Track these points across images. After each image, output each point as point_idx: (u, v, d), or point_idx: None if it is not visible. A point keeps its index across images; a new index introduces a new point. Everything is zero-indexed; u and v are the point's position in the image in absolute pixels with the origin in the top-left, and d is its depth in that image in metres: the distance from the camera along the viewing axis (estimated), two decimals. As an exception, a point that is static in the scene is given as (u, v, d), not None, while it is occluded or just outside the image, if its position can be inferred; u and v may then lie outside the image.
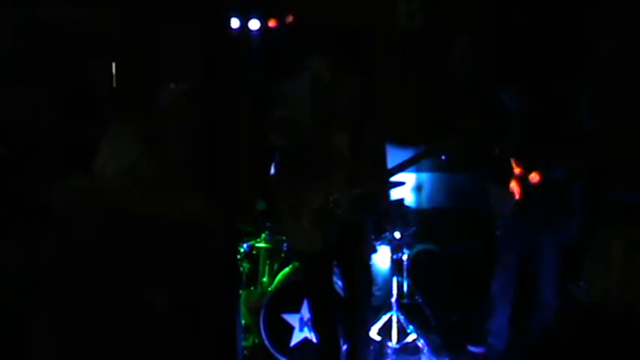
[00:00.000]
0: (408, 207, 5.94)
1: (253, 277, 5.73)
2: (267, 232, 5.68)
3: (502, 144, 5.03)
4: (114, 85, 6.59)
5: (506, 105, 5.00)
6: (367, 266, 4.65)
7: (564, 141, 4.82)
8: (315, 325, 4.73)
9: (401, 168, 4.45)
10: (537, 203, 4.86)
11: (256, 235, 5.75)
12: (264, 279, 5.64)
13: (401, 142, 4.98)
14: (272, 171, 4.61)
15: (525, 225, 4.94)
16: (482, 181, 5.18)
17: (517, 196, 4.91)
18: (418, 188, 6.53)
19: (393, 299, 5.47)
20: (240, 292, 5.40)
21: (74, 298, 2.39)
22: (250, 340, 5.41)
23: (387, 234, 5.51)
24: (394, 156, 4.54)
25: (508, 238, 5.06)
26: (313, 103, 4.47)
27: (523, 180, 4.90)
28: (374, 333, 5.38)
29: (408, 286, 5.68)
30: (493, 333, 5.17)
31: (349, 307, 4.56)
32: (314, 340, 4.92)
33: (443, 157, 4.58)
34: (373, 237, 5.41)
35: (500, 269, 5.11)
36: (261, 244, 5.67)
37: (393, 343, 5.41)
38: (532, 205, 4.87)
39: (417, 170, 6.44)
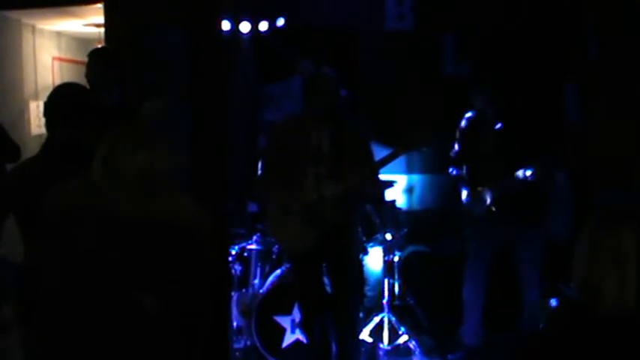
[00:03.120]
0: (399, 208, 5.95)
1: (245, 280, 5.74)
2: (258, 234, 5.69)
3: (481, 144, 5.05)
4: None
5: (485, 106, 5.03)
6: (358, 267, 4.65)
7: (544, 142, 4.84)
8: (305, 326, 4.74)
9: (384, 163, 4.46)
10: (511, 205, 4.88)
11: (247, 238, 5.76)
12: (256, 281, 5.64)
13: (388, 141, 5.00)
14: (259, 172, 4.63)
15: (497, 226, 4.96)
16: (458, 180, 5.20)
17: (491, 197, 4.93)
18: (409, 190, 6.54)
19: (385, 301, 5.47)
20: (232, 294, 5.41)
21: (65, 301, 2.39)
22: (242, 342, 5.42)
23: (379, 235, 5.52)
24: (381, 154, 4.56)
25: (479, 239, 5.08)
26: (302, 104, 4.49)
27: (499, 181, 4.91)
28: (365, 334, 5.39)
29: (400, 287, 5.69)
30: (468, 333, 5.20)
31: (338, 308, 4.56)
32: (305, 341, 4.93)
33: (425, 150, 4.58)
34: (364, 238, 5.43)
35: (471, 269, 5.14)
36: (253, 247, 5.68)
37: (384, 344, 5.41)
38: (505, 206, 4.89)
39: (408, 172, 6.46)
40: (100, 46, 6.69)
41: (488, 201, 4.93)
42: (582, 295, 2.17)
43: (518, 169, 4.80)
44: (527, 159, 4.77)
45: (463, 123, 5.16)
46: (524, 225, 4.93)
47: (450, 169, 5.23)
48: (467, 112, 5.18)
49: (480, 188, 4.99)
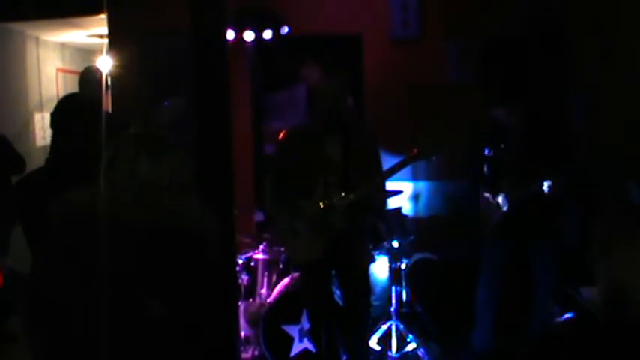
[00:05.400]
0: (405, 216, 5.94)
1: (252, 289, 5.73)
2: (264, 243, 5.68)
3: (496, 153, 5.02)
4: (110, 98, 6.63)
5: (501, 117, 5.00)
6: (365, 275, 4.64)
7: (556, 152, 4.82)
8: (313, 335, 4.72)
9: (393, 171, 4.45)
10: (526, 213, 4.85)
11: (254, 247, 5.75)
12: (263, 290, 5.63)
13: (394, 148, 4.99)
14: (268, 182, 4.62)
15: (512, 233, 4.94)
16: (473, 189, 5.17)
17: (508, 204, 4.90)
18: (416, 197, 6.53)
19: (392, 308, 5.46)
20: (239, 303, 5.39)
21: (73, 309, 2.39)
22: (250, 351, 5.40)
23: (386, 243, 5.51)
24: (389, 162, 4.56)
25: (493, 247, 5.06)
26: (307, 111, 4.51)
27: (517, 189, 4.89)
28: (374, 342, 5.37)
29: (407, 295, 5.67)
30: (479, 339, 5.17)
31: (348, 317, 4.55)
32: (313, 350, 4.91)
33: (434, 159, 4.57)
34: (371, 246, 5.41)
35: (484, 277, 5.11)
36: (260, 256, 5.67)
37: (393, 352, 5.39)
38: (521, 214, 4.86)
39: (414, 179, 6.45)
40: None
41: (505, 207, 4.90)
42: (605, 301, 2.13)
43: (537, 178, 4.76)
44: (546, 169, 4.74)
45: (486, 129, 5.12)
46: (538, 233, 4.91)
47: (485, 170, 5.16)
48: (481, 118, 5.15)
49: (497, 194, 4.96)
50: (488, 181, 5.03)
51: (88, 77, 5.58)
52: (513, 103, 4.94)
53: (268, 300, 5.39)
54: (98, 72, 5.69)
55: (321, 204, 4.36)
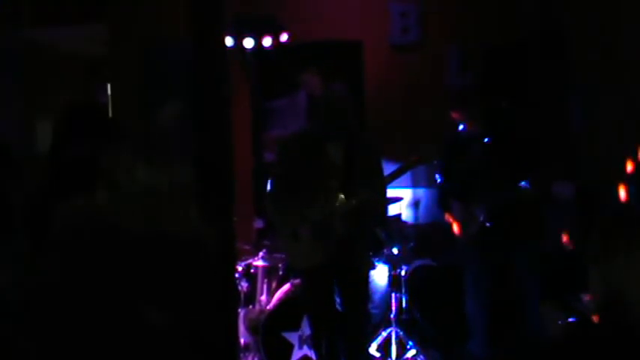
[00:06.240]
0: (405, 222, 5.93)
1: (251, 296, 5.71)
2: (264, 250, 5.67)
3: (467, 159, 5.01)
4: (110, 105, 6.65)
5: (472, 119, 4.99)
6: (365, 281, 4.64)
7: (543, 154, 4.82)
8: (314, 342, 4.71)
9: (394, 177, 4.45)
10: (505, 220, 4.84)
11: (254, 254, 5.73)
12: (263, 297, 5.62)
13: (394, 154, 4.99)
14: (268, 188, 4.62)
15: (493, 242, 4.93)
16: (448, 198, 5.16)
17: (484, 214, 4.89)
18: (415, 204, 6.52)
19: (392, 315, 5.45)
20: (239, 310, 5.38)
21: (73, 317, 2.38)
22: (250, 358, 5.39)
23: (385, 250, 5.50)
24: (389, 168, 4.56)
25: (475, 256, 5.05)
26: (308, 118, 4.51)
27: (491, 197, 4.87)
28: (373, 349, 5.36)
29: (407, 302, 5.66)
30: (477, 346, 5.17)
31: (348, 324, 4.54)
32: (313, 357, 4.90)
33: (435, 162, 4.57)
34: (371, 253, 5.40)
35: (471, 285, 5.11)
36: (259, 263, 5.66)
37: (392, 359, 5.38)
38: (499, 222, 4.85)
39: (414, 185, 6.44)
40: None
41: (481, 218, 4.89)
42: (604, 309, 2.12)
43: (510, 184, 4.76)
44: (520, 173, 4.74)
45: (448, 137, 5.11)
46: (519, 239, 4.90)
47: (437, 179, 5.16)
48: (452, 125, 5.13)
49: (471, 205, 4.94)
50: (459, 190, 5.03)
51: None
52: (476, 110, 4.95)
53: (268, 307, 5.39)
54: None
55: (323, 210, 4.36)
